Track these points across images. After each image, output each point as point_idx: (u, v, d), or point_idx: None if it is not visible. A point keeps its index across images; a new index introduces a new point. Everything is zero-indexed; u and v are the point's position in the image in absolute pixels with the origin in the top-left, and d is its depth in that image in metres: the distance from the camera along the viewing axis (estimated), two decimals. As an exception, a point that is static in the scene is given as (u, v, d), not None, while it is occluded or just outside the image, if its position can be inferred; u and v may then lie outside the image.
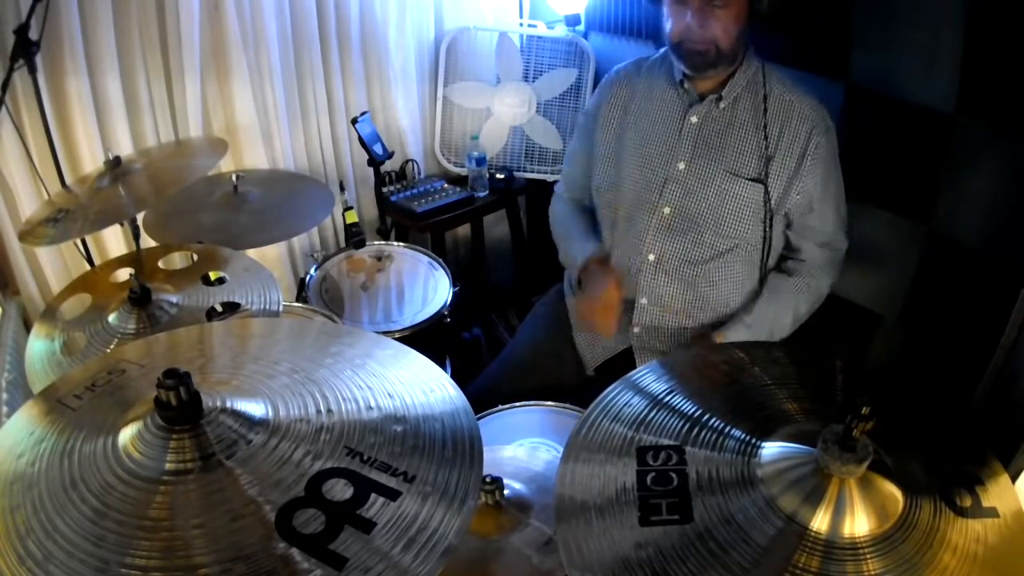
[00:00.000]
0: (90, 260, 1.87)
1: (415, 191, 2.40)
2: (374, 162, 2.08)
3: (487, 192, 2.47)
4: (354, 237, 2.00)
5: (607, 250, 1.60)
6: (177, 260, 1.60)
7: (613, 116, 1.61)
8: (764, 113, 1.43)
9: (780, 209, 1.48)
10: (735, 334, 1.51)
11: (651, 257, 1.53)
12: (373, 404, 0.82)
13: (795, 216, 1.50)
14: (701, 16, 1.37)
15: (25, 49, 1.59)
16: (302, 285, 1.89)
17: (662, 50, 1.60)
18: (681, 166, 1.49)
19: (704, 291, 1.53)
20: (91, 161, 1.84)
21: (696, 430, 0.83)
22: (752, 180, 1.46)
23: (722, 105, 1.47)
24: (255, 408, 0.79)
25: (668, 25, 1.44)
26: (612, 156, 1.60)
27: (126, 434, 0.76)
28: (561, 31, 2.48)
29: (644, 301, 1.57)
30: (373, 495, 0.70)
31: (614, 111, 1.61)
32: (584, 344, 1.67)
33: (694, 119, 1.49)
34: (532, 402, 1.46)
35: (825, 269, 1.54)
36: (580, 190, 1.74)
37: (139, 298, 1.23)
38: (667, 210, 1.51)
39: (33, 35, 1.60)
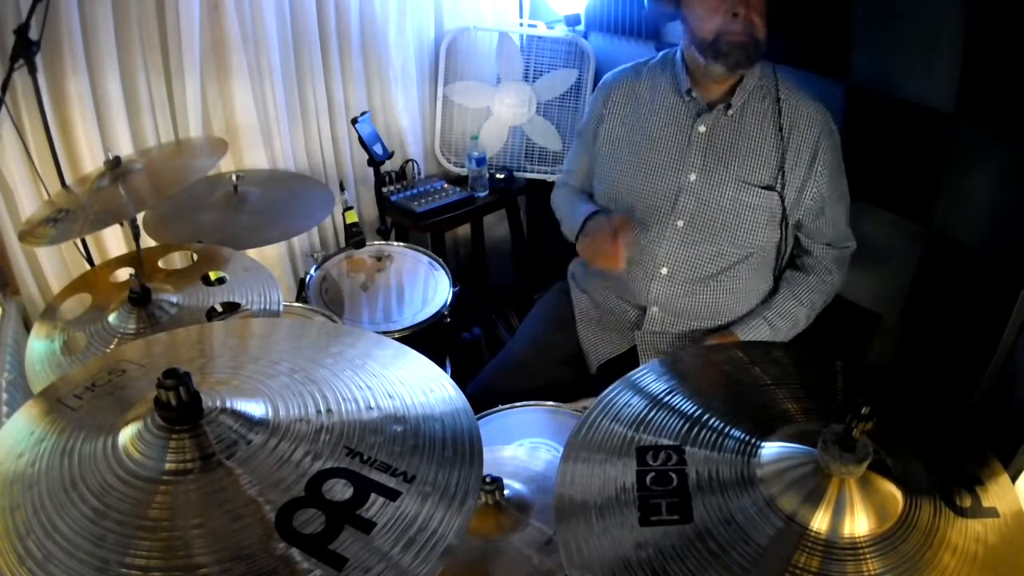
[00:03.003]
0: (90, 260, 1.87)
1: (415, 191, 2.40)
2: (374, 162, 2.08)
3: (487, 192, 2.47)
4: (354, 237, 2.00)
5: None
6: (177, 260, 1.60)
7: (615, 126, 1.58)
8: (779, 117, 1.43)
9: (794, 214, 1.48)
10: (755, 333, 1.51)
11: (664, 271, 1.52)
12: (373, 404, 0.82)
13: (807, 219, 1.50)
14: (745, 4, 1.34)
15: (25, 49, 1.59)
16: (302, 285, 1.89)
17: (660, 55, 1.59)
18: (692, 177, 1.48)
19: (717, 298, 1.53)
20: (91, 161, 1.85)
21: (696, 430, 0.83)
22: (765, 187, 1.45)
23: (730, 112, 1.45)
24: (255, 408, 0.79)
25: (700, 24, 1.39)
26: (618, 168, 1.57)
27: (126, 434, 0.76)
28: (561, 31, 2.48)
29: (655, 310, 1.57)
30: (373, 495, 0.70)
31: (616, 120, 1.58)
32: (588, 342, 1.67)
33: (702, 128, 1.47)
34: (532, 402, 1.46)
35: (837, 265, 1.55)
36: (581, 186, 1.74)
37: (139, 298, 1.23)
38: (680, 223, 1.50)
39: (33, 35, 1.60)
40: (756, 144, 1.45)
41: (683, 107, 1.50)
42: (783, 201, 1.45)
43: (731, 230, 1.47)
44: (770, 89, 1.45)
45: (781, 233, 1.49)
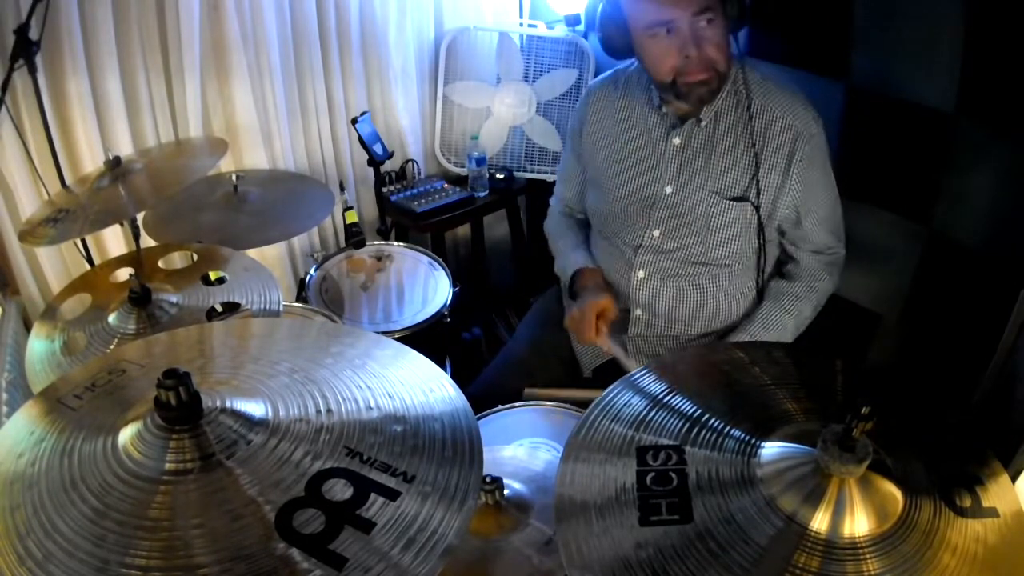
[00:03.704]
0: (90, 260, 1.87)
1: (415, 191, 2.40)
2: (374, 162, 2.08)
3: (487, 192, 2.47)
4: (354, 237, 2.00)
5: (598, 263, 1.61)
6: (177, 260, 1.60)
7: (596, 136, 1.58)
8: (750, 131, 1.38)
9: (771, 222, 1.46)
10: None
11: (640, 274, 1.53)
12: (373, 404, 0.82)
13: (787, 226, 1.48)
14: (695, 39, 1.29)
15: (25, 49, 1.59)
16: (302, 285, 1.89)
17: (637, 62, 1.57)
18: (668, 190, 1.47)
19: (699, 302, 1.53)
20: (91, 161, 1.85)
21: (696, 430, 0.83)
22: (739, 199, 1.43)
23: (703, 124, 1.43)
24: (255, 408, 0.79)
25: (655, 65, 1.36)
26: (599, 176, 1.58)
27: (126, 434, 0.76)
28: (561, 31, 2.48)
29: (639, 312, 1.57)
30: (373, 495, 0.70)
31: (596, 130, 1.58)
32: (581, 348, 1.66)
33: (676, 141, 1.46)
34: (532, 402, 1.46)
35: (825, 273, 1.52)
36: (573, 203, 1.75)
37: (139, 298, 1.23)
38: (656, 232, 1.50)
39: (33, 35, 1.60)
40: (730, 154, 1.42)
41: (657, 119, 1.48)
42: (758, 211, 1.43)
43: (705, 242, 1.46)
44: (745, 93, 1.40)
45: (759, 242, 1.47)
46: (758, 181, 1.41)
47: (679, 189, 1.47)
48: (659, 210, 1.49)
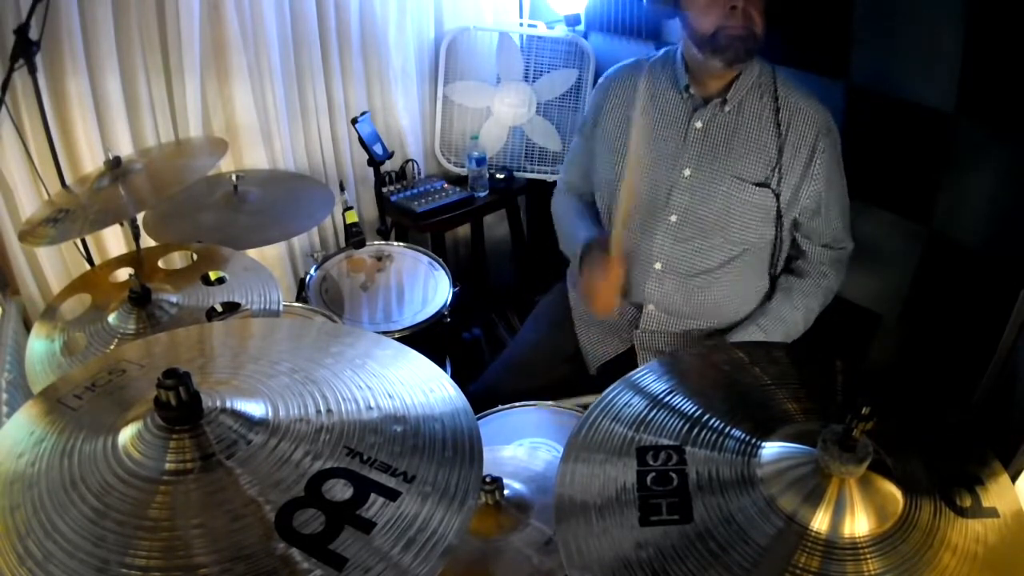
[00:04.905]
0: (90, 260, 1.87)
1: (415, 191, 2.40)
2: (374, 162, 2.08)
3: (487, 192, 2.47)
4: (354, 237, 2.00)
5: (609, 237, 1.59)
6: (177, 260, 1.60)
7: (614, 120, 1.58)
8: (777, 114, 1.42)
9: (789, 213, 1.47)
10: (748, 338, 1.51)
11: (657, 266, 1.52)
12: (373, 404, 0.82)
13: (803, 219, 1.49)
14: None
15: (25, 49, 1.59)
16: (302, 285, 1.89)
17: (661, 51, 1.59)
18: (687, 173, 1.48)
19: (712, 296, 1.53)
20: (91, 161, 1.85)
21: (696, 430, 0.83)
22: (759, 185, 1.44)
23: (727, 108, 1.45)
24: (255, 408, 0.79)
25: (699, 18, 1.39)
26: (615, 162, 1.57)
27: (126, 434, 0.76)
28: (561, 31, 2.48)
29: (651, 307, 1.57)
30: (373, 495, 0.70)
31: (615, 114, 1.58)
32: (588, 344, 1.66)
33: (699, 124, 1.47)
34: (532, 402, 1.46)
35: (833, 267, 1.54)
36: (581, 188, 1.74)
37: (139, 298, 1.23)
38: (674, 218, 1.50)
39: (33, 35, 1.60)
40: (752, 141, 1.44)
41: (680, 103, 1.50)
42: (778, 199, 1.44)
43: (723, 226, 1.47)
44: (768, 87, 1.44)
45: (776, 231, 1.49)
46: (780, 168, 1.43)
47: (698, 173, 1.47)
48: (677, 194, 1.49)
